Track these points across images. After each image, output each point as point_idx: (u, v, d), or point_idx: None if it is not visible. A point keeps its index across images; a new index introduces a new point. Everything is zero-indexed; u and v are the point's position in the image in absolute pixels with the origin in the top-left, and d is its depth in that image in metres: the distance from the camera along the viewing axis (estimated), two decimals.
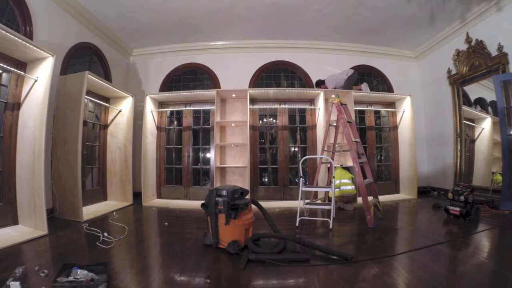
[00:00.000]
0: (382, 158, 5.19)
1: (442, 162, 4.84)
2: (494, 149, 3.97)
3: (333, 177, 3.12)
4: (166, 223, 3.13)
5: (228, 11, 4.10)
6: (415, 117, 4.71)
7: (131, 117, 4.36)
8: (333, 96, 3.75)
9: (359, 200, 3.92)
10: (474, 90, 4.34)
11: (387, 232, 2.71)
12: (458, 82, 4.46)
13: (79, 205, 3.12)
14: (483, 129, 4.27)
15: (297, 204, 3.06)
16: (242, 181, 4.55)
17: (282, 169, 4.83)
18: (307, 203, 3.28)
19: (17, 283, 1.43)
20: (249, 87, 5.02)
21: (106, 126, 4.45)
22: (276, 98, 4.87)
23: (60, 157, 3.27)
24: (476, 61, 4.10)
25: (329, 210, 3.34)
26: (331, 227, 2.78)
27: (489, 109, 4.11)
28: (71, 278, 1.51)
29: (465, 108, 4.42)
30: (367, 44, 5.19)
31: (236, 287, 1.61)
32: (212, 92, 4.44)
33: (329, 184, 3.76)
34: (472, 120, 4.43)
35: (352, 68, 4.98)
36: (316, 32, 4.80)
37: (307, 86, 5.12)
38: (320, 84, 4.90)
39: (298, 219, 2.91)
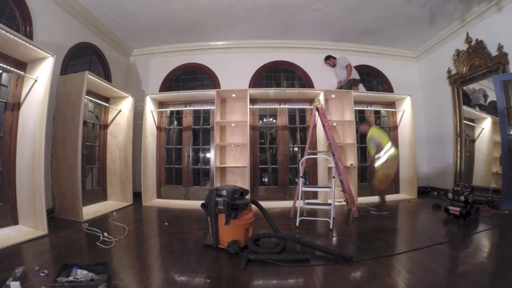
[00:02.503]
0: None
1: (442, 162, 4.83)
2: (494, 149, 3.97)
3: (334, 177, 3.12)
4: (166, 223, 3.13)
5: (228, 11, 4.10)
6: (415, 117, 4.72)
7: (131, 117, 4.36)
8: (317, 100, 3.86)
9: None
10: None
11: (387, 232, 2.71)
12: (458, 82, 4.46)
13: (79, 205, 3.12)
14: (483, 129, 4.27)
15: (298, 204, 3.07)
16: (242, 181, 4.55)
17: (282, 169, 4.83)
18: (307, 203, 3.28)
19: (17, 283, 1.43)
20: (249, 87, 5.02)
21: (106, 126, 4.45)
22: (276, 98, 4.87)
23: (60, 157, 3.26)
24: (476, 61, 4.10)
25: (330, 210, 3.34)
26: (331, 227, 2.78)
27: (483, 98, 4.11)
28: (71, 278, 1.51)
29: (465, 108, 4.42)
30: (367, 44, 5.19)
31: (236, 287, 1.61)
32: (212, 92, 4.44)
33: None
34: (472, 120, 4.43)
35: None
36: (316, 32, 4.80)
37: (307, 86, 5.12)
38: (330, 58, 4.91)
39: (298, 219, 2.91)
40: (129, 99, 4.41)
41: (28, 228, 2.65)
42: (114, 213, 3.56)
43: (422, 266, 1.83)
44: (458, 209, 2.95)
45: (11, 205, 2.74)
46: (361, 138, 5.00)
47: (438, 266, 1.81)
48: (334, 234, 2.69)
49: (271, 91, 4.60)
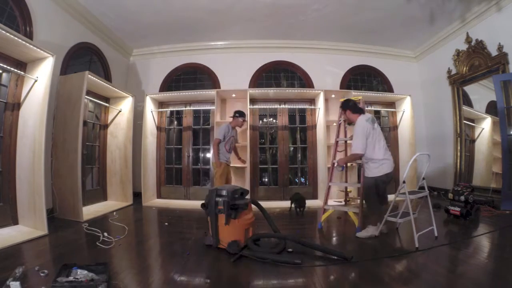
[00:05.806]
0: None
1: (442, 162, 4.82)
2: (494, 149, 3.97)
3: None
4: (166, 223, 3.13)
5: (228, 11, 4.10)
6: (415, 117, 4.71)
7: (131, 117, 4.36)
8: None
9: None
10: (474, 90, 4.34)
11: (387, 232, 2.70)
12: (458, 82, 4.46)
13: (79, 205, 3.12)
14: (483, 129, 4.27)
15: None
16: (242, 181, 4.55)
17: (282, 169, 4.82)
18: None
19: (17, 283, 1.43)
20: (249, 87, 5.01)
21: (106, 126, 4.45)
22: (276, 98, 4.87)
23: (60, 157, 3.26)
24: (476, 61, 4.10)
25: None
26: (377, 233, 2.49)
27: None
28: (71, 278, 1.50)
29: (465, 108, 4.42)
30: (367, 44, 5.18)
31: (236, 287, 1.61)
32: (212, 92, 4.44)
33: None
34: (472, 120, 4.43)
35: (352, 67, 4.99)
36: (316, 32, 4.80)
37: (307, 86, 5.12)
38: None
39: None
40: (129, 99, 4.41)
41: (28, 228, 2.65)
42: (114, 213, 3.55)
43: (423, 266, 1.83)
44: (458, 209, 2.95)
45: (11, 205, 2.74)
46: None
47: (438, 267, 1.81)
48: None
49: (271, 91, 4.59)
